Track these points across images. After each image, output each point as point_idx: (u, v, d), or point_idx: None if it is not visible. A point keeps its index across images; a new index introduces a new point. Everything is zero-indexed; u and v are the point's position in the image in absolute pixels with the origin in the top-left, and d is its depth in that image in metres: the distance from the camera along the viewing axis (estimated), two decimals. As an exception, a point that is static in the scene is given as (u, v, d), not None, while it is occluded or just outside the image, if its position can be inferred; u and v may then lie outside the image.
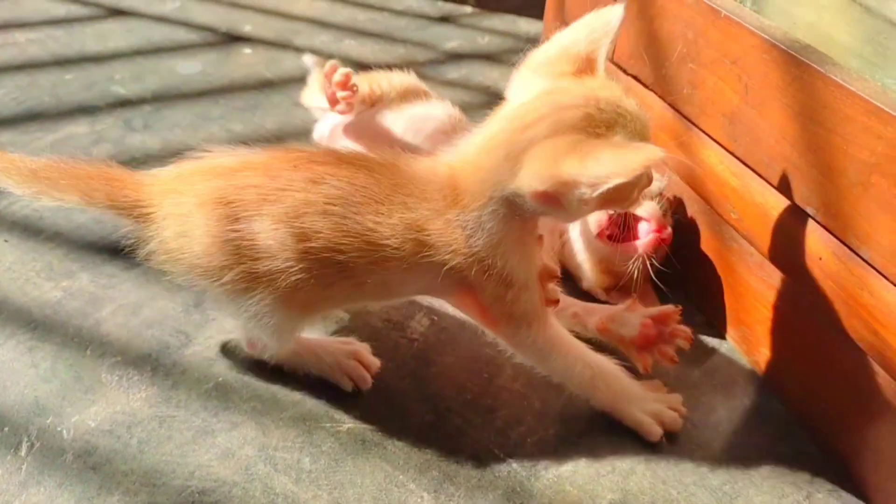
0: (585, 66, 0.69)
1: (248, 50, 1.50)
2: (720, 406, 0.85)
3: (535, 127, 0.65)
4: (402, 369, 0.86)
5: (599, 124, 0.64)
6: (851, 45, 0.73)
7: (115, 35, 1.51)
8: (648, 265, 0.89)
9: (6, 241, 0.98)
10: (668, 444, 0.80)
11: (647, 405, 0.80)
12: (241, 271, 0.70)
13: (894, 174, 0.66)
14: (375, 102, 1.01)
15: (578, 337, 0.81)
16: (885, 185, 0.67)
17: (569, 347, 0.78)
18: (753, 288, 0.87)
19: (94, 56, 1.42)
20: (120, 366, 0.83)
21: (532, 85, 0.69)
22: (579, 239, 0.96)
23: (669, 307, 0.84)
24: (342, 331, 0.90)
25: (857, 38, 0.73)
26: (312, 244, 0.69)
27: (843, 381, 0.77)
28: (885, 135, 0.66)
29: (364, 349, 0.85)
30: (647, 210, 0.92)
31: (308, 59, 1.17)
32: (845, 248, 0.73)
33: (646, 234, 0.91)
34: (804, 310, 0.80)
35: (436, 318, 0.93)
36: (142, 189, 0.73)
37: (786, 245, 0.80)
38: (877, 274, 0.70)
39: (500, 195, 0.67)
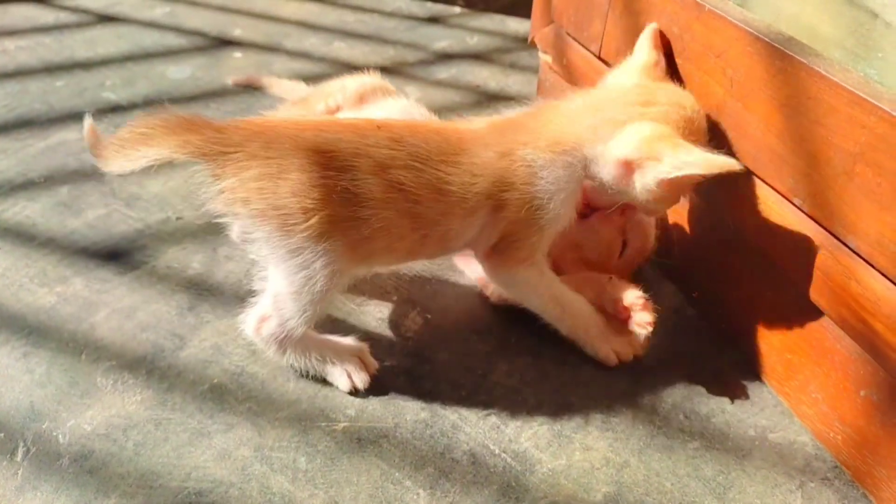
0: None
1: (238, 54, 1.51)
2: (712, 397, 0.86)
3: (647, 108, 0.78)
4: (396, 367, 0.87)
5: (695, 131, 0.79)
6: (834, 36, 0.74)
7: (104, 41, 1.51)
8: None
9: (-1, 248, 0.98)
10: (664, 437, 0.81)
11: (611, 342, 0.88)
12: (326, 215, 0.74)
13: (878, 163, 0.67)
14: (335, 113, 1.03)
15: None
16: (870, 174, 0.67)
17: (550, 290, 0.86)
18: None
19: (85, 62, 1.43)
20: (115, 370, 0.83)
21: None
22: None
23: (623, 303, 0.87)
24: (337, 331, 0.90)
25: (839, 29, 0.73)
26: (396, 195, 0.76)
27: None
28: (868, 124, 0.67)
29: (366, 349, 0.85)
30: None
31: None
32: (832, 237, 0.73)
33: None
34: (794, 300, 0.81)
35: (429, 316, 0.94)
36: (225, 130, 0.76)
37: (773, 236, 0.81)
38: (863, 263, 0.70)
39: (582, 152, 0.79)
